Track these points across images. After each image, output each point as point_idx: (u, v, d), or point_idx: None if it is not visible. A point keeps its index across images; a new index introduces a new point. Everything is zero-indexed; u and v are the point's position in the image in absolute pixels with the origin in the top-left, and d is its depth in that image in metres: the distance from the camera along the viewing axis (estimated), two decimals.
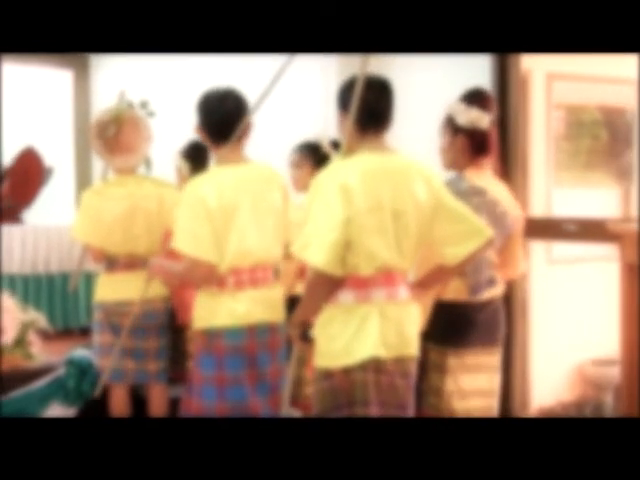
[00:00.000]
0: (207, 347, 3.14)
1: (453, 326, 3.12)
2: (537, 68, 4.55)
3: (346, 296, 2.68)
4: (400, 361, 2.71)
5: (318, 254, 2.59)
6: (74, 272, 4.35)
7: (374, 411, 2.65)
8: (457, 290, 3.10)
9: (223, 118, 3.13)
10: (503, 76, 4.11)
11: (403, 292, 2.74)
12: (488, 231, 2.82)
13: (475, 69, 4.06)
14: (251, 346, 3.12)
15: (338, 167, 2.71)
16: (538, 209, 4.42)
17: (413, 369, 2.78)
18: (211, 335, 3.12)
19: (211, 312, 3.14)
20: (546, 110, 4.64)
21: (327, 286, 2.66)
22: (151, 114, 3.92)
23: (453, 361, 3.11)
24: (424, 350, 2.99)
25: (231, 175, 3.13)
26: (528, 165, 4.33)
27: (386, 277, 2.69)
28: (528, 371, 4.30)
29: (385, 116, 2.76)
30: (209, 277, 3.10)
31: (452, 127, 3.19)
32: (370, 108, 2.72)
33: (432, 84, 4.37)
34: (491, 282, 3.14)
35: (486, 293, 3.12)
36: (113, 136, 3.75)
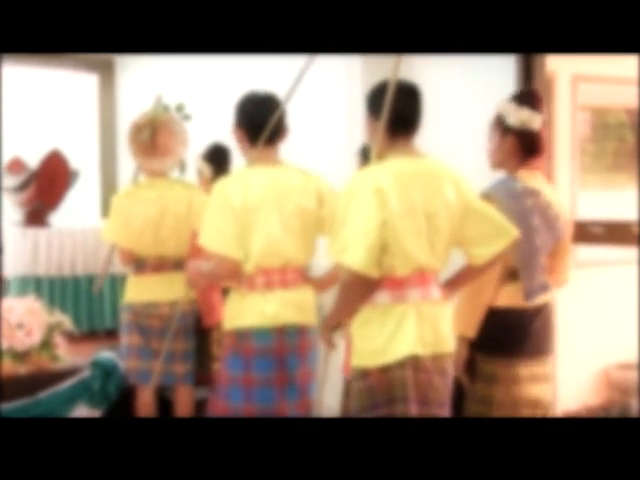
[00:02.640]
0: (235, 348, 3.14)
1: (506, 334, 3.04)
2: (562, 70, 4.53)
3: (382, 297, 2.72)
4: (437, 358, 2.75)
5: (355, 257, 2.62)
6: (99, 274, 4.38)
7: (414, 409, 2.67)
8: (510, 296, 3.04)
9: (258, 120, 3.16)
10: (528, 78, 4.09)
11: (436, 291, 2.78)
12: (514, 231, 2.83)
13: (500, 71, 4.05)
14: (280, 348, 3.12)
15: (371, 171, 2.75)
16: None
17: (450, 366, 2.80)
18: (240, 335, 3.13)
19: (240, 312, 3.15)
20: (571, 112, 4.61)
21: (363, 288, 2.70)
22: (187, 117, 3.96)
23: (505, 371, 3.03)
24: (473, 358, 3.00)
25: (259, 176, 3.15)
26: (553, 167, 4.31)
27: (420, 277, 2.74)
28: (553, 375, 4.27)
29: (415, 121, 2.81)
30: (234, 274, 3.12)
31: (502, 127, 3.11)
32: (401, 113, 2.76)
33: (457, 87, 4.36)
34: (544, 287, 3.08)
35: (540, 299, 3.07)
36: (148, 139, 3.77)
